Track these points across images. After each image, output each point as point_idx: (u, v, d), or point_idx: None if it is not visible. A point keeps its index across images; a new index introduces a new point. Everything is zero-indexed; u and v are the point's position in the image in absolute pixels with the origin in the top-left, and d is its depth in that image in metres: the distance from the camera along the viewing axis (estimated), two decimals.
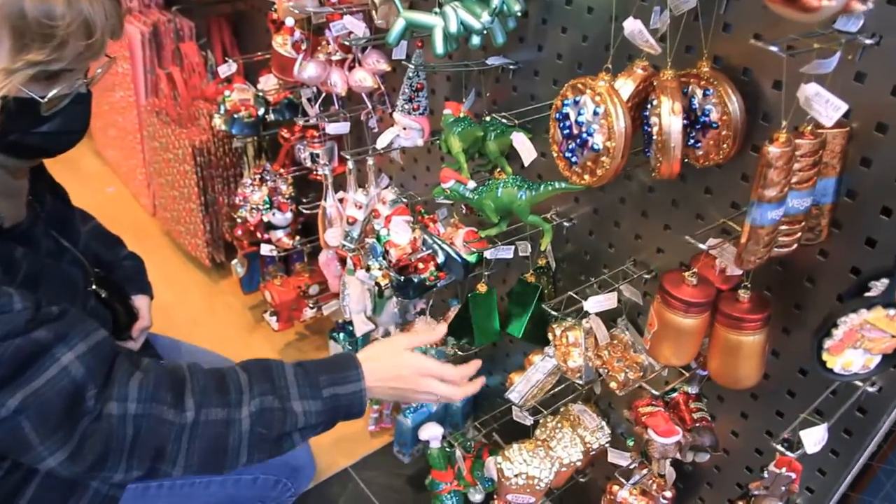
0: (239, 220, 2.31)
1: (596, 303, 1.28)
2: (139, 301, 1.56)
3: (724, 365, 1.15)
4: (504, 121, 1.29)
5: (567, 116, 1.05)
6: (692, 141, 1.13)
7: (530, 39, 1.46)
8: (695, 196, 1.27)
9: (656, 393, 1.26)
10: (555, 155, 1.11)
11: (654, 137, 1.06)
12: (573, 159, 1.06)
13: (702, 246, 1.02)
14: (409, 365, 1.23)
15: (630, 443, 1.32)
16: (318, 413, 1.13)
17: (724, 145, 1.12)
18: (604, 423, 1.60)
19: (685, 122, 1.09)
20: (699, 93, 1.10)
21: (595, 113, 1.00)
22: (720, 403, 1.40)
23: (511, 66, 1.50)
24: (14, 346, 0.96)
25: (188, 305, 2.76)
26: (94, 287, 1.33)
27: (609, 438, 1.61)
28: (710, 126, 1.11)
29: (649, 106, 1.08)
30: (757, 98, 1.12)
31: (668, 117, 1.03)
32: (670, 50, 1.08)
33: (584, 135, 1.02)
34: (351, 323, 2.06)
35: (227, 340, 2.59)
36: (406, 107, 1.66)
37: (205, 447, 1.06)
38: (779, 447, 1.11)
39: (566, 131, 1.05)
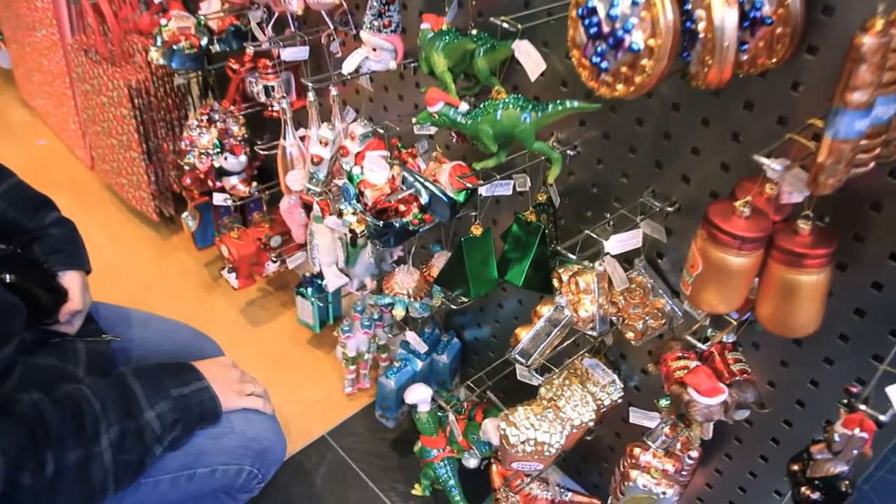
0: (187, 168, 2.05)
1: (619, 242, 1.08)
2: (68, 279, 1.33)
3: (780, 309, 0.97)
4: (501, 23, 1.05)
5: (594, 11, 0.83)
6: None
7: None
8: (731, 112, 1.07)
9: (702, 347, 1.07)
10: (575, 62, 0.89)
11: (702, 36, 0.84)
12: (602, 65, 0.84)
13: (775, 166, 0.81)
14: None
15: (663, 402, 1.14)
16: (171, 411, 1.17)
17: (779, 46, 0.91)
18: (615, 377, 1.43)
19: None
20: None
21: (633, 3, 0.79)
22: (756, 351, 1.22)
23: None
24: None
25: (137, 266, 2.51)
26: None
27: (622, 394, 1.43)
28: (762, 22, 0.90)
29: None
30: None
31: (721, 8, 0.82)
32: None
33: (619, 32, 0.80)
34: (320, 276, 1.85)
35: (182, 303, 2.36)
36: (375, 23, 1.42)
37: (71, 494, 1.05)
38: (843, 406, 0.94)
39: (593, 30, 0.83)
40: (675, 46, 0.81)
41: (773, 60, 0.93)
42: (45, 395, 1.08)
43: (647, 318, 1.26)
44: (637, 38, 0.80)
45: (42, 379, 1.19)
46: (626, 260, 1.27)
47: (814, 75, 0.96)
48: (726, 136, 1.09)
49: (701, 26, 0.85)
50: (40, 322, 1.30)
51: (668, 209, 1.20)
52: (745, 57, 0.93)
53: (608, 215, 1.24)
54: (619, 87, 0.84)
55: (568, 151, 1.31)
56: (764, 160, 0.81)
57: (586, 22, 0.85)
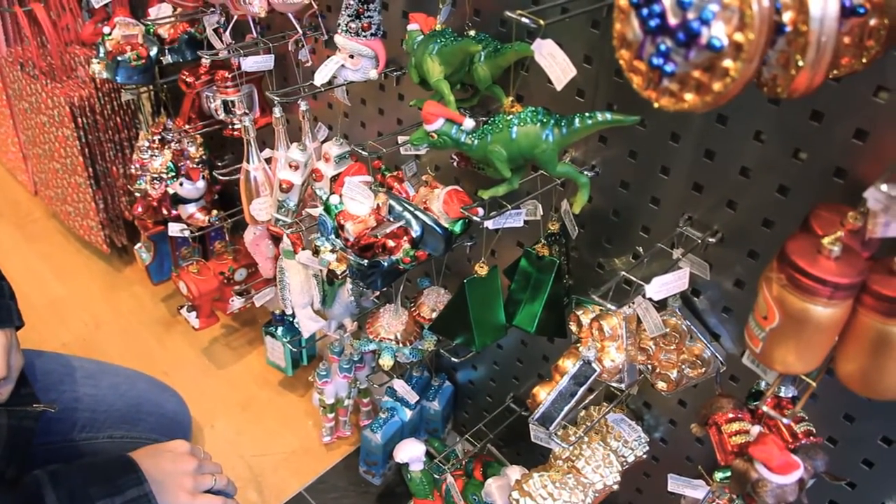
0: (138, 195, 1.83)
1: (662, 286, 0.89)
2: None
3: (870, 368, 0.78)
4: (519, 18, 0.85)
5: None
6: None
7: None
8: (793, 125, 0.89)
9: (783, 420, 0.87)
10: (624, 65, 0.70)
11: (788, 28, 0.65)
12: (667, 68, 0.65)
13: (883, 193, 0.62)
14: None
15: (720, 476, 0.94)
16: None
17: (872, 42, 0.73)
18: (640, 430, 1.24)
19: None
20: None
21: None
22: (812, 403, 1.04)
23: None
24: None
25: (86, 303, 2.26)
26: None
27: (647, 448, 1.25)
28: (854, 12, 0.71)
29: None
30: None
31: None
32: None
33: (695, 24, 0.61)
34: (293, 314, 1.63)
35: (137, 343, 2.12)
36: (352, 26, 1.22)
37: None
38: None
39: (654, 22, 0.64)
40: (768, 44, 0.62)
41: (865, 60, 0.74)
42: None
43: (682, 366, 1.08)
44: (718, 32, 0.61)
45: None
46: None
47: None
48: (786, 153, 0.91)
49: (787, 17, 0.66)
50: None
51: (710, 240, 1.01)
52: None
53: (641, 249, 1.04)
54: (689, 96, 0.65)
55: (585, 172, 1.11)
56: (881, 194, 0.62)
57: (644, 12, 0.65)
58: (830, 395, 1.02)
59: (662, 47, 0.65)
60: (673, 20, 0.63)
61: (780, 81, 0.69)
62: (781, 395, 0.97)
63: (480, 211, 1.12)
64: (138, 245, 2.07)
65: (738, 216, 0.99)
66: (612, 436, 1.23)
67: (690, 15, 0.62)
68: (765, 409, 0.87)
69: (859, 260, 0.74)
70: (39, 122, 2.11)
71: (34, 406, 1.18)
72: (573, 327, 1.11)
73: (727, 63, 0.62)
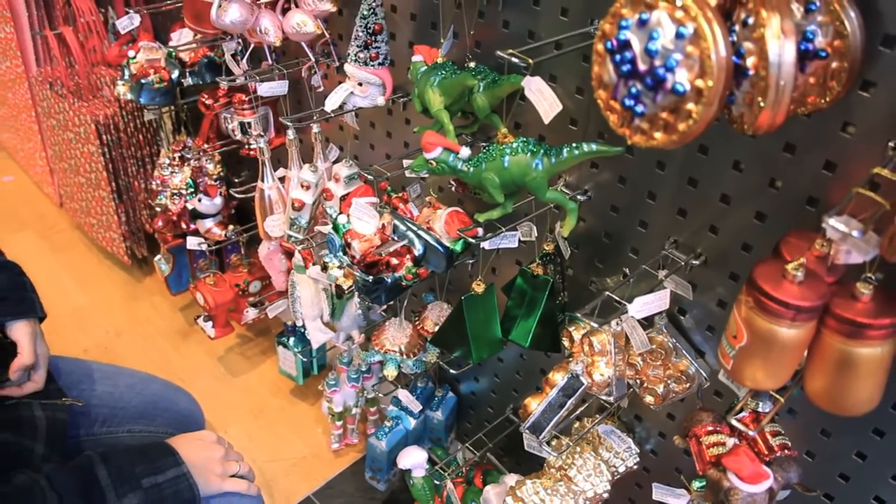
0: (158, 209, 1.91)
1: (644, 305, 0.95)
2: (15, 331, 1.18)
3: (833, 386, 0.84)
4: (509, 58, 0.92)
5: (627, 45, 0.70)
6: None
7: None
8: (768, 156, 0.95)
9: (748, 431, 0.93)
10: (602, 104, 0.76)
11: (751, 73, 0.72)
12: (637, 109, 0.71)
13: (854, 234, 0.69)
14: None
15: (697, 485, 1.00)
16: None
17: (833, 83, 0.79)
18: (630, 442, 1.29)
19: None
20: (798, 8, 0.77)
21: (679, 35, 0.66)
22: (792, 418, 1.09)
23: None
24: None
25: (107, 311, 2.34)
26: None
27: (638, 459, 1.30)
28: (816, 56, 0.78)
29: (738, 28, 0.73)
30: (874, 15, 0.79)
31: (777, 41, 0.69)
32: None
33: (660, 70, 0.67)
34: (304, 326, 1.70)
35: (155, 351, 2.20)
36: (361, 56, 1.29)
37: None
38: None
39: (626, 67, 0.71)
40: (728, 88, 0.68)
41: (827, 99, 0.80)
42: None
43: (668, 380, 1.13)
44: (682, 78, 0.67)
45: None
46: (645, 317, 1.13)
47: (869, 115, 0.84)
48: (762, 182, 0.97)
49: (750, 62, 0.72)
50: None
51: (694, 262, 1.07)
52: (793, 94, 0.81)
53: (627, 270, 1.10)
54: (658, 135, 0.71)
55: (578, 196, 1.18)
56: (840, 225, 0.68)
57: (617, 58, 0.72)
58: (808, 412, 1.07)
59: (633, 90, 0.72)
60: (642, 66, 0.70)
61: (746, 119, 0.76)
62: (760, 410, 1.03)
63: (479, 231, 1.18)
64: (158, 257, 2.16)
65: (719, 240, 1.05)
66: (603, 447, 1.28)
67: (657, 62, 0.69)
68: (732, 421, 0.93)
69: (822, 285, 0.80)
70: (66, 139, 2.20)
71: (63, 400, 1.26)
72: (566, 343, 1.17)
73: (690, 106, 0.68)
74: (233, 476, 1.22)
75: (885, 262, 0.76)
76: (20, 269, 1.28)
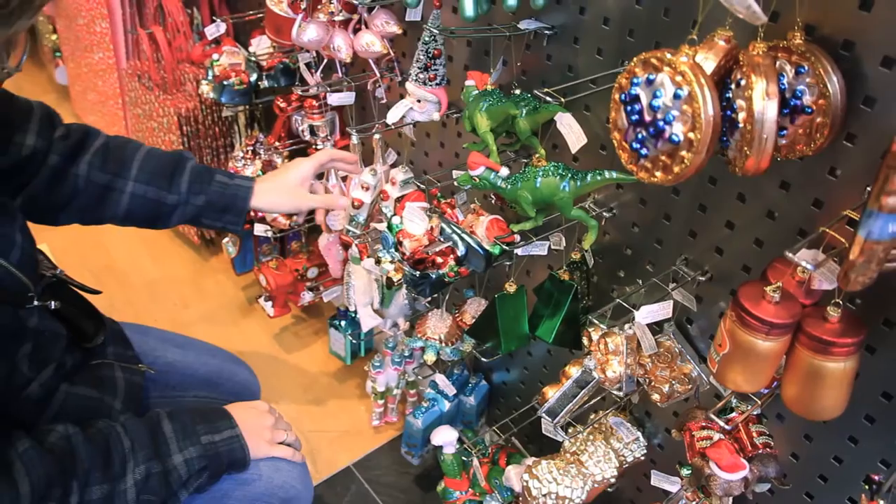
0: None
1: (648, 313, 1.11)
2: (268, 200, 1.38)
3: (805, 393, 0.98)
4: (544, 96, 1.09)
5: (637, 99, 0.86)
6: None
7: (570, 0, 1.25)
8: (767, 190, 1.09)
9: (725, 426, 1.08)
10: (616, 144, 0.92)
11: (741, 125, 0.87)
12: (642, 151, 0.87)
13: (807, 265, 0.83)
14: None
15: (685, 472, 1.15)
16: (200, 458, 1.18)
17: (818, 135, 0.93)
18: (640, 434, 1.44)
19: None
20: (790, 70, 0.91)
21: (676, 96, 0.81)
22: (780, 423, 1.23)
23: (546, 31, 1.30)
24: None
25: (176, 285, 2.57)
26: (36, 303, 1.13)
27: (645, 451, 1.45)
28: (803, 111, 0.92)
29: (734, 87, 0.88)
30: (858, 78, 0.93)
31: (762, 102, 0.84)
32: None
33: (660, 123, 0.83)
34: (356, 311, 1.89)
35: (218, 324, 2.41)
36: (421, 76, 1.46)
37: None
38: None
39: (635, 117, 0.86)
40: (715, 140, 0.83)
41: (812, 148, 0.94)
42: (79, 427, 1.12)
43: (673, 381, 1.28)
44: (677, 130, 0.83)
45: (81, 410, 1.22)
46: (656, 323, 1.28)
47: (851, 163, 0.98)
48: (761, 213, 1.11)
49: (741, 116, 0.87)
50: (81, 346, 1.34)
51: (700, 278, 1.22)
52: (783, 142, 0.96)
53: (640, 281, 1.25)
54: (658, 174, 0.87)
55: (604, 213, 1.33)
56: (794, 258, 0.83)
57: (628, 108, 0.87)
58: (794, 418, 1.20)
59: (640, 136, 0.87)
60: (647, 117, 0.86)
61: (737, 163, 0.91)
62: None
63: (515, 238, 1.34)
64: (226, 240, 2.36)
65: (723, 260, 1.19)
66: (614, 437, 1.43)
67: (659, 115, 0.84)
68: (711, 415, 1.07)
69: (795, 306, 0.94)
70: (150, 127, 2.42)
71: (139, 366, 1.44)
72: (585, 341, 1.32)
73: (683, 153, 0.83)
74: (281, 443, 1.35)
75: (866, 292, 0.90)
76: (210, 172, 1.37)
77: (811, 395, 0.98)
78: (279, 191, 1.39)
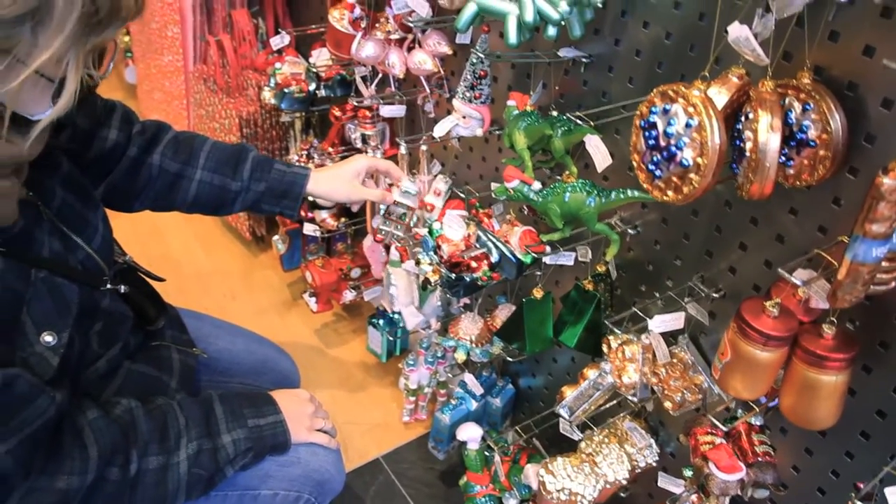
0: None
1: (661, 322, 1.20)
2: (323, 188, 1.51)
3: (799, 403, 1.07)
4: (576, 119, 1.21)
5: (654, 126, 0.96)
6: (783, 158, 1.03)
7: (607, 32, 1.36)
8: (777, 216, 1.18)
9: (723, 428, 1.17)
10: (635, 165, 1.02)
11: (748, 154, 0.96)
12: (657, 173, 0.97)
13: (796, 281, 0.93)
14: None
15: (688, 473, 1.24)
16: (246, 439, 1.27)
17: (820, 167, 1.02)
18: (653, 441, 1.53)
19: None
20: (797, 106, 1.01)
21: (687, 125, 0.91)
22: (783, 436, 1.31)
23: (584, 60, 1.41)
24: None
25: (226, 277, 2.73)
26: (109, 286, 1.26)
27: (657, 458, 1.53)
28: (807, 144, 1.01)
29: (743, 119, 0.98)
30: (861, 116, 1.02)
31: (766, 134, 0.94)
32: (771, 59, 0.98)
33: (673, 148, 0.93)
34: (395, 312, 2.00)
35: (264, 316, 2.55)
36: (467, 94, 1.58)
37: (147, 494, 1.16)
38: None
39: (651, 142, 0.97)
40: (721, 165, 0.93)
41: (815, 178, 1.03)
42: (140, 402, 1.23)
43: (685, 391, 1.36)
44: (687, 156, 0.93)
45: (141, 386, 1.32)
46: (671, 334, 1.37)
47: (854, 194, 1.07)
48: (771, 236, 1.20)
49: (748, 146, 0.97)
50: (143, 328, 1.46)
51: (714, 295, 1.31)
52: (790, 171, 1.05)
53: (657, 294, 1.35)
54: (670, 193, 0.97)
55: (629, 229, 1.43)
56: (786, 274, 0.92)
57: (646, 134, 0.98)
58: (796, 432, 1.28)
59: (655, 158, 0.98)
60: (662, 142, 0.96)
61: (744, 188, 1.00)
62: (752, 421, 1.26)
63: (546, 249, 1.44)
64: (276, 237, 2.50)
65: (736, 280, 1.28)
66: (628, 443, 1.52)
67: (672, 141, 0.94)
68: (712, 418, 1.16)
69: (792, 321, 1.03)
70: (212, 128, 2.58)
71: (192, 350, 1.56)
72: (605, 348, 1.42)
73: (692, 176, 0.93)
74: (319, 430, 1.44)
75: (855, 310, 0.98)
76: (269, 162, 1.50)
77: (806, 406, 1.06)
78: (335, 179, 1.52)
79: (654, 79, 1.30)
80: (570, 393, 1.35)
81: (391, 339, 2.21)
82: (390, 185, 1.87)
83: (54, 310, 1.11)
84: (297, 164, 1.53)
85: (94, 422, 1.13)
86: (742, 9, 1.06)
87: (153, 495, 1.18)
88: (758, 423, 1.26)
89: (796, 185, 1.06)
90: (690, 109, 0.92)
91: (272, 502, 1.38)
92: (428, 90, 1.76)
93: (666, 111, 0.95)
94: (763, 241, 1.21)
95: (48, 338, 1.09)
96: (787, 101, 1.02)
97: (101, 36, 0.91)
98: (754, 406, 1.18)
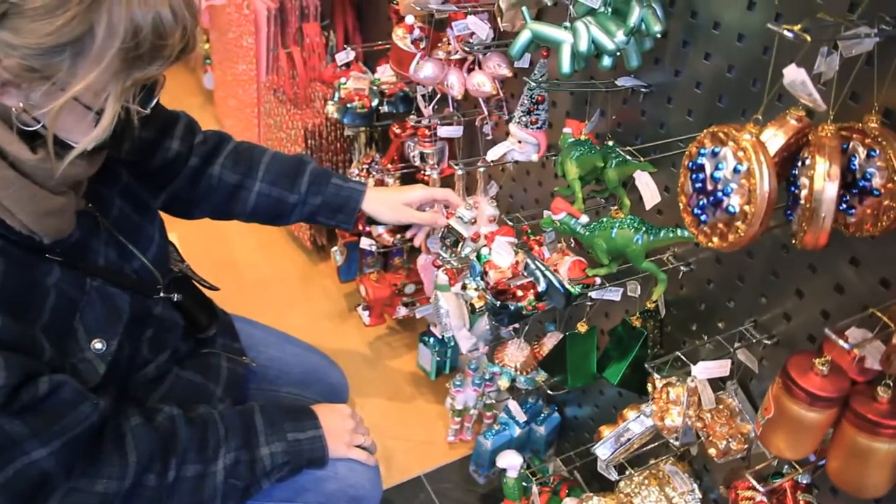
0: None
1: (705, 369, 1.15)
2: (377, 206, 1.55)
3: (848, 469, 1.00)
4: (625, 154, 1.17)
5: (702, 168, 0.92)
6: (844, 206, 0.97)
7: (667, 62, 1.32)
8: (837, 264, 1.11)
9: (760, 489, 1.11)
10: (681, 207, 0.98)
11: (802, 202, 0.91)
12: (703, 217, 0.93)
13: (843, 344, 0.87)
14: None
15: None
16: (283, 453, 1.28)
17: (885, 217, 0.95)
18: (695, 487, 1.46)
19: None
20: (862, 152, 0.94)
21: (736, 171, 0.87)
22: (833, 497, 1.24)
23: (643, 90, 1.36)
24: None
25: (285, 285, 2.76)
26: (162, 294, 1.29)
27: (699, 503, 1.47)
28: (871, 193, 0.95)
29: (800, 164, 0.93)
30: None
31: (822, 182, 0.88)
32: (834, 101, 0.93)
33: (720, 193, 0.89)
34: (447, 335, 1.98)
35: (318, 326, 2.58)
36: (524, 119, 1.55)
37: (183, 501, 1.18)
38: None
39: (698, 185, 0.92)
40: (769, 214, 0.88)
41: (878, 229, 0.97)
42: (182, 410, 1.24)
43: (730, 439, 1.30)
44: (734, 202, 0.88)
45: (187, 392, 1.35)
46: (720, 379, 1.31)
47: None
48: (830, 285, 1.13)
49: (803, 194, 0.92)
50: (194, 335, 1.49)
51: (767, 342, 1.25)
52: (851, 220, 0.98)
53: (705, 336, 1.29)
54: (715, 240, 0.93)
55: (682, 266, 1.38)
56: (833, 335, 0.86)
57: (693, 176, 0.94)
58: (849, 494, 1.21)
59: (701, 202, 0.93)
60: (709, 187, 0.91)
61: (798, 237, 0.95)
62: (799, 479, 1.19)
63: (596, 281, 1.41)
64: (335, 248, 2.52)
65: (790, 327, 1.22)
66: (669, 486, 1.46)
67: (719, 186, 0.90)
68: (747, 475, 1.10)
69: (843, 381, 0.97)
70: (279, 137, 2.63)
71: (242, 358, 1.58)
72: (649, 388, 1.37)
73: (738, 223, 0.89)
74: (358, 446, 1.44)
75: None
76: (326, 174, 1.54)
77: (855, 472, 1.00)
78: (385, 202, 1.54)
79: (713, 112, 1.25)
80: (607, 433, 1.31)
81: (440, 358, 2.19)
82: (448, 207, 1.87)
83: (106, 318, 1.15)
84: (354, 178, 1.54)
85: (135, 428, 1.15)
86: (806, 45, 1.01)
87: (189, 503, 1.19)
88: (804, 482, 1.19)
89: (857, 234, 1.00)
90: (740, 154, 0.87)
91: None
92: (486, 112, 1.74)
93: (715, 154, 0.90)
94: (821, 290, 1.15)
95: (98, 345, 1.12)
96: (850, 145, 0.96)
97: (144, 72, 0.92)
98: (797, 467, 1.12)
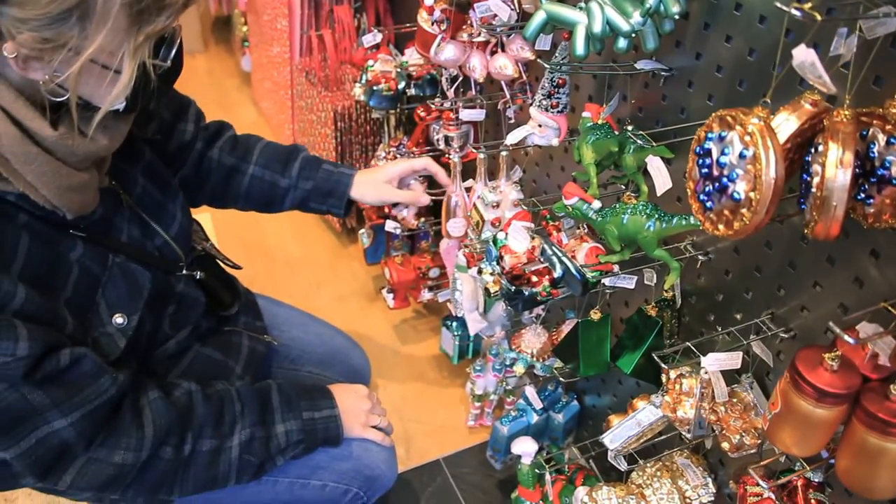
0: None
1: (715, 361, 1.12)
2: (363, 189, 1.57)
3: (857, 469, 0.96)
4: (637, 138, 1.14)
5: (708, 153, 0.89)
6: (863, 195, 0.93)
7: (688, 45, 1.28)
8: (857, 256, 1.07)
9: (764, 485, 1.08)
10: (689, 193, 0.95)
11: (813, 190, 0.88)
12: (708, 204, 0.90)
13: (848, 339, 0.84)
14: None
15: None
16: (298, 431, 1.30)
17: None
18: (709, 480, 1.44)
19: (858, 171, 0.90)
20: (882, 139, 0.90)
21: (741, 156, 0.84)
22: (848, 497, 1.20)
23: (663, 73, 1.33)
24: (4, 403, 0.98)
25: (314, 266, 2.78)
26: (185, 271, 1.30)
27: (713, 498, 1.44)
28: (890, 182, 0.91)
29: (813, 151, 0.89)
30: None
31: (834, 169, 0.85)
32: (851, 85, 0.89)
33: (725, 179, 0.85)
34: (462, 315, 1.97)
35: (345, 307, 2.59)
36: (544, 103, 1.53)
37: (198, 475, 1.21)
38: None
39: (705, 170, 0.89)
40: (776, 202, 0.85)
41: None
42: (200, 385, 1.27)
43: (743, 433, 1.27)
44: (739, 189, 0.85)
45: (206, 368, 1.37)
46: (735, 371, 1.28)
47: None
48: (849, 278, 1.09)
49: (815, 181, 0.88)
50: (216, 313, 1.50)
51: (783, 335, 1.21)
52: (870, 210, 0.95)
53: (720, 328, 1.26)
54: (721, 227, 0.90)
55: (699, 256, 1.34)
56: (837, 330, 0.83)
57: (700, 161, 0.91)
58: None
59: (707, 189, 0.90)
60: (715, 172, 0.88)
61: (809, 227, 0.91)
62: (810, 477, 1.16)
63: (615, 268, 1.38)
64: (362, 230, 2.53)
65: (808, 320, 1.18)
66: (682, 479, 1.44)
67: (725, 172, 0.87)
68: (750, 470, 1.07)
69: (853, 377, 0.93)
70: (310, 119, 2.64)
71: (264, 336, 1.60)
72: (663, 378, 1.34)
73: (743, 211, 0.86)
74: (374, 427, 1.46)
75: None
76: (317, 160, 1.57)
77: (864, 473, 0.96)
78: (368, 184, 1.56)
79: (734, 97, 1.21)
80: (616, 422, 1.29)
81: (462, 342, 2.18)
82: (469, 188, 1.85)
83: (127, 293, 1.17)
84: (345, 164, 1.57)
85: (153, 402, 1.18)
86: (815, 25, 0.97)
87: (204, 476, 1.22)
88: (816, 480, 1.15)
89: (876, 225, 0.96)
90: (747, 138, 0.84)
91: (321, 493, 1.40)
92: (508, 95, 1.72)
93: (721, 138, 0.87)
94: (839, 283, 1.11)
95: (119, 319, 1.15)
96: (870, 131, 0.92)
97: (153, 25, 0.92)
98: (804, 464, 1.08)
